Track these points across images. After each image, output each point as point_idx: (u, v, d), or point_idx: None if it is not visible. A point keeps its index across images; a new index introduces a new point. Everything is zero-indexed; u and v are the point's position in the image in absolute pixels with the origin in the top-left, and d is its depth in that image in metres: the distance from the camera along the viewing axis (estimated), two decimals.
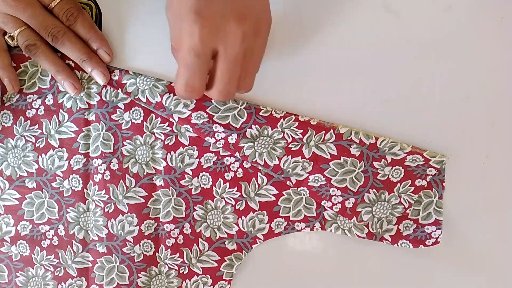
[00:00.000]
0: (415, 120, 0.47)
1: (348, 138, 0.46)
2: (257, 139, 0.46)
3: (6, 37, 0.46)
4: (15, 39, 0.45)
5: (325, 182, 0.46)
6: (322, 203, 0.46)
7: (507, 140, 0.47)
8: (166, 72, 0.48)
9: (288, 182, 0.46)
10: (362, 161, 0.46)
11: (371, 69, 0.46)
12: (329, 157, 0.46)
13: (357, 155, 0.46)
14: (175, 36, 0.39)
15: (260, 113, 0.46)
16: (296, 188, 0.47)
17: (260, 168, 0.47)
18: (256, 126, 0.46)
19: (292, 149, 0.46)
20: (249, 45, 0.38)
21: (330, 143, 0.46)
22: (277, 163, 0.46)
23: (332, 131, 0.46)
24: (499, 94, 0.46)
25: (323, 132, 0.46)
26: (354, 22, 0.46)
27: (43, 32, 0.44)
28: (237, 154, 0.46)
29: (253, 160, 0.46)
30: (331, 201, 0.46)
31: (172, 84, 0.47)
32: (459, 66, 0.46)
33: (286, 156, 0.46)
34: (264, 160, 0.46)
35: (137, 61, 0.48)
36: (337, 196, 0.46)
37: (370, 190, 0.46)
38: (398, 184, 0.46)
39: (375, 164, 0.46)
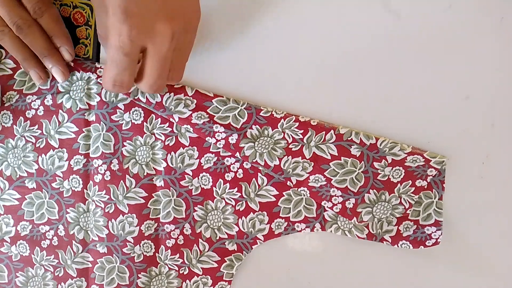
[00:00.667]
0: (415, 120, 0.46)
1: (349, 139, 0.45)
2: (258, 139, 0.46)
3: None
4: None
5: (325, 183, 0.46)
6: (322, 203, 0.46)
7: (507, 140, 0.46)
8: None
9: (288, 183, 0.46)
10: (363, 162, 0.46)
11: (371, 69, 0.46)
12: (329, 157, 0.46)
13: (357, 156, 0.45)
14: (101, 26, 0.40)
15: (261, 114, 0.46)
16: (296, 189, 0.47)
17: (260, 168, 0.47)
18: (257, 126, 0.46)
19: (293, 149, 0.46)
20: (178, 43, 0.39)
21: (330, 143, 0.46)
22: (278, 163, 0.46)
23: (332, 131, 0.46)
24: (499, 94, 0.46)
25: (324, 132, 0.46)
26: (354, 22, 0.46)
27: (8, 21, 0.43)
28: (237, 154, 0.46)
29: (254, 161, 0.46)
30: (332, 202, 0.46)
31: (171, 84, 0.46)
32: (459, 66, 0.46)
33: (286, 156, 0.46)
34: (265, 160, 0.46)
35: None
36: (338, 196, 0.46)
37: (371, 190, 0.46)
38: (399, 185, 0.46)
39: (376, 164, 0.46)
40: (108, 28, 0.37)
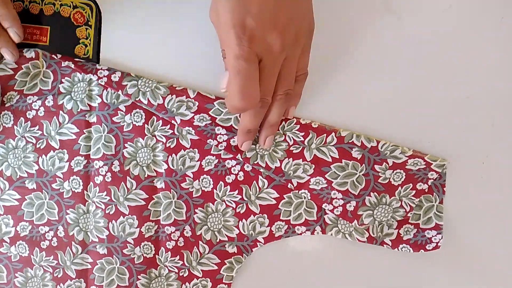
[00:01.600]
0: (414, 120, 0.47)
1: (350, 141, 0.46)
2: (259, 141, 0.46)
3: None
4: None
5: (326, 185, 0.46)
6: (323, 206, 0.46)
7: (507, 140, 0.46)
8: (166, 73, 0.48)
9: (289, 185, 0.46)
10: (363, 164, 0.46)
11: (371, 70, 0.47)
12: (330, 160, 0.46)
13: (358, 158, 0.46)
14: (222, 42, 0.40)
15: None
16: (297, 191, 0.47)
17: (261, 170, 0.47)
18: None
19: (294, 151, 0.46)
20: (288, 54, 0.40)
21: (331, 146, 0.46)
22: (279, 165, 0.46)
23: (333, 134, 0.46)
24: (499, 94, 0.46)
25: (325, 135, 0.46)
26: (354, 22, 0.46)
27: None
28: (238, 156, 0.46)
29: (255, 162, 0.46)
30: (332, 204, 0.46)
31: (174, 86, 0.47)
32: (459, 66, 0.46)
33: (287, 158, 0.46)
34: (266, 162, 0.46)
35: (136, 61, 0.48)
36: (338, 199, 0.46)
37: (371, 193, 0.46)
38: (399, 188, 0.46)
39: (376, 167, 0.46)
40: (227, 45, 0.38)
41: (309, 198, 0.47)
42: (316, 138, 0.46)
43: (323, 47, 0.46)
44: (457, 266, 0.48)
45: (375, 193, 0.46)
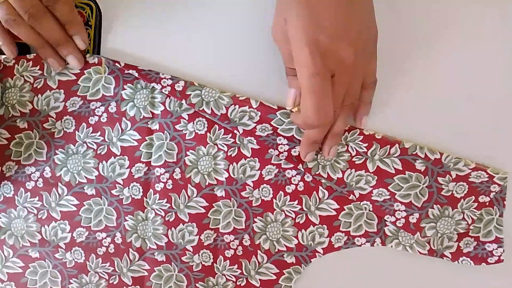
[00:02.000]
0: (414, 120, 0.47)
1: (413, 153, 0.46)
2: (321, 152, 0.46)
3: None
4: None
5: (389, 197, 0.46)
6: (385, 217, 0.46)
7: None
8: (167, 73, 0.48)
9: (351, 196, 0.47)
10: (427, 176, 0.46)
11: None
12: (393, 171, 0.46)
13: (422, 170, 0.46)
14: (293, 60, 0.40)
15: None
16: (358, 202, 0.47)
17: (322, 181, 0.47)
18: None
19: (356, 162, 0.46)
20: (358, 63, 0.40)
21: (394, 157, 0.46)
22: (341, 176, 0.46)
23: (397, 145, 0.46)
24: (499, 94, 0.46)
25: (388, 146, 0.46)
26: None
27: (20, 9, 0.43)
28: (300, 166, 0.47)
29: (316, 173, 0.46)
30: (395, 216, 0.46)
31: (237, 96, 0.47)
32: (459, 66, 0.46)
33: (349, 169, 0.46)
34: (328, 173, 0.47)
35: (137, 61, 0.48)
36: (401, 211, 0.46)
37: (434, 205, 0.46)
38: (462, 200, 0.46)
39: (440, 179, 0.46)
40: (298, 61, 0.38)
41: (371, 209, 0.47)
42: (379, 149, 0.46)
43: None
44: None
45: (438, 205, 0.46)
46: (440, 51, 0.47)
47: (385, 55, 0.45)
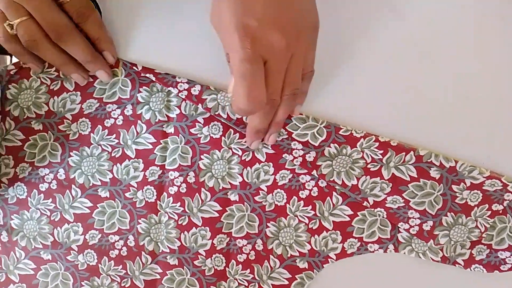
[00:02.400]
0: (414, 120, 0.47)
1: (428, 161, 0.46)
2: (336, 158, 0.47)
3: (5, 24, 0.42)
4: (14, 28, 0.42)
5: (403, 204, 0.46)
6: (399, 225, 0.46)
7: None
8: (168, 71, 0.48)
9: (365, 203, 0.47)
10: (442, 184, 0.46)
11: (372, 69, 0.47)
12: (408, 179, 0.46)
13: (436, 178, 0.46)
14: (225, 46, 0.41)
15: (340, 132, 0.46)
16: (372, 209, 0.47)
17: (337, 187, 0.47)
18: (335, 144, 0.46)
19: (371, 169, 0.46)
20: (293, 53, 0.40)
21: (409, 164, 0.46)
22: (355, 183, 0.47)
23: (412, 152, 0.46)
24: (500, 94, 0.47)
25: (403, 153, 0.46)
26: (356, 21, 0.47)
27: (46, 27, 0.42)
28: (314, 172, 0.47)
29: (331, 179, 0.47)
30: (409, 223, 0.46)
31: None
32: (459, 66, 0.47)
33: (364, 176, 0.47)
34: (342, 179, 0.47)
35: (137, 61, 0.48)
36: (415, 218, 0.46)
37: (448, 213, 0.46)
38: (475, 208, 0.46)
39: (454, 187, 0.46)
40: (231, 50, 0.38)
41: (385, 216, 0.47)
42: (394, 156, 0.46)
43: (322, 46, 0.46)
44: None
45: (451, 213, 0.46)
46: (438, 53, 0.47)
47: (382, 57, 0.46)
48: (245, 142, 0.48)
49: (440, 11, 0.47)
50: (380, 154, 0.46)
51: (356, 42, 0.47)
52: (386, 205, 0.46)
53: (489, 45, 0.47)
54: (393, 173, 0.46)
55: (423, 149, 0.46)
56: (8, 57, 0.49)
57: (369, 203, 0.46)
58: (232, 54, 0.39)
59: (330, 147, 0.46)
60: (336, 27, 0.47)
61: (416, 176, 0.46)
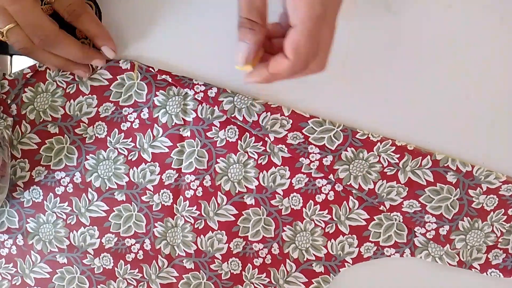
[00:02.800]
0: (414, 120, 0.47)
1: (445, 165, 0.46)
2: (353, 162, 0.47)
3: None
4: (5, 35, 0.41)
5: (420, 209, 0.46)
6: (415, 229, 0.47)
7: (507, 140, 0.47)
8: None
9: (381, 207, 0.47)
10: (458, 189, 0.46)
11: (371, 69, 0.47)
12: (425, 183, 0.46)
13: (453, 183, 0.46)
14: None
15: (357, 136, 0.46)
16: (389, 213, 0.47)
17: (354, 191, 0.47)
18: (352, 149, 0.46)
19: (388, 173, 0.46)
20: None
21: (426, 169, 0.46)
22: (372, 187, 0.47)
23: (429, 157, 0.46)
24: (500, 94, 0.47)
25: (420, 158, 0.46)
26: (354, 21, 0.47)
27: (29, 34, 0.40)
28: (331, 176, 0.47)
29: (348, 183, 0.47)
30: (425, 228, 0.46)
31: (269, 103, 0.47)
32: (459, 66, 0.47)
33: (381, 180, 0.47)
34: (359, 183, 0.47)
35: (137, 60, 0.48)
36: (432, 223, 0.46)
37: (465, 218, 0.46)
38: (491, 213, 0.46)
39: (470, 192, 0.46)
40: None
41: (401, 220, 0.47)
42: (411, 161, 0.46)
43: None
44: None
45: (468, 217, 0.46)
46: (441, 52, 0.47)
47: (388, 58, 0.46)
48: (261, 145, 0.48)
49: (436, 10, 0.47)
50: (397, 158, 0.46)
51: (352, 42, 0.47)
52: (403, 209, 0.46)
53: (489, 44, 0.47)
54: (409, 178, 0.46)
55: (440, 153, 0.46)
56: (8, 57, 0.49)
57: (385, 207, 0.47)
58: (301, 9, 0.35)
59: (347, 151, 0.46)
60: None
61: (432, 181, 0.46)
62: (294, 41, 0.36)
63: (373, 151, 0.47)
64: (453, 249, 0.46)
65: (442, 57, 0.47)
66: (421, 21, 0.47)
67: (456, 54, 0.47)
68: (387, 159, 0.46)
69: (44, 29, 0.41)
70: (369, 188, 0.47)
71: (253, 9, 0.37)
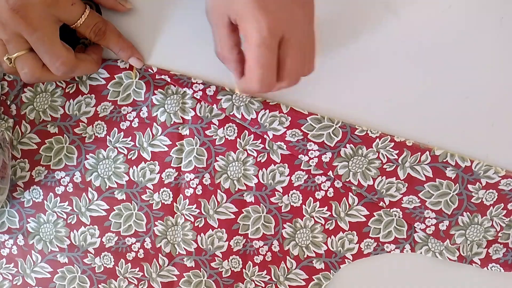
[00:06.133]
0: (415, 119, 0.47)
1: (444, 161, 0.46)
2: (352, 159, 0.47)
3: (5, 58, 0.40)
4: (13, 62, 0.40)
5: (419, 204, 0.46)
6: (415, 225, 0.47)
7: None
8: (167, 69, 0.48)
9: (381, 203, 0.47)
10: (457, 184, 0.46)
11: (370, 67, 0.47)
12: (424, 179, 0.46)
13: (452, 178, 0.46)
14: (220, 42, 0.40)
15: (356, 133, 0.46)
16: (388, 209, 0.47)
17: (353, 188, 0.47)
18: (351, 145, 0.47)
19: (387, 169, 0.47)
20: (310, 28, 0.40)
21: (425, 164, 0.46)
22: (372, 183, 0.47)
23: (428, 152, 0.46)
24: (499, 94, 0.47)
25: (419, 153, 0.46)
26: (354, 21, 0.47)
27: (47, 63, 0.40)
28: (330, 173, 0.47)
29: (347, 180, 0.47)
30: (425, 223, 0.46)
31: (267, 101, 0.47)
32: (459, 66, 0.47)
33: (380, 176, 0.47)
34: (358, 180, 0.47)
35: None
36: (431, 218, 0.46)
37: (464, 213, 0.46)
38: (491, 208, 0.46)
39: (470, 187, 0.46)
40: (246, 34, 0.37)
41: (401, 216, 0.47)
42: (410, 157, 0.46)
43: (321, 45, 0.46)
44: None
45: (467, 212, 0.46)
46: (441, 52, 0.47)
47: (387, 57, 0.46)
48: (260, 143, 0.48)
49: (436, 10, 0.47)
50: (396, 154, 0.46)
51: (351, 42, 0.47)
52: (402, 205, 0.46)
53: (489, 43, 0.47)
54: (408, 173, 0.46)
55: (438, 148, 0.46)
56: None
57: (385, 203, 0.47)
58: (249, 37, 0.37)
59: (346, 147, 0.46)
60: (333, 26, 0.47)
61: (431, 176, 0.46)
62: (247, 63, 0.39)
63: (372, 147, 0.47)
64: (453, 244, 0.46)
65: (441, 57, 0.47)
66: (421, 20, 0.47)
67: (455, 53, 0.47)
68: (386, 155, 0.47)
69: (62, 57, 0.41)
70: (368, 185, 0.47)
71: (230, 48, 0.40)
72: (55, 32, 0.40)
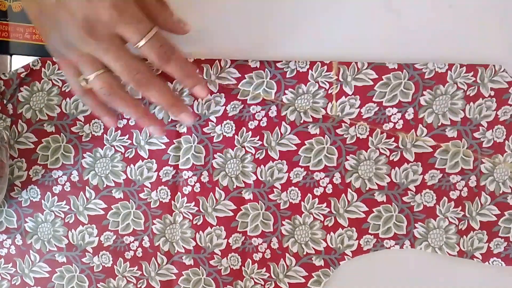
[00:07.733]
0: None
1: (439, 124, 0.47)
2: (359, 167, 0.47)
3: (79, 79, 0.41)
4: (89, 82, 0.41)
5: (441, 175, 0.47)
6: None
7: None
8: None
9: (409, 193, 0.47)
10: (463, 139, 0.47)
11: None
12: (430, 150, 0.47)
13: (455, 136, 0.47)
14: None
15: (287, 76, 0.46)
16: (389, 205, 0.47)
17: (376, 193, 0.47)
18: (289, 89, 0.47)
19: (395, 160, 0.46)
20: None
21: (424, 137, 0.47)
22: (389, 180, 0.47)
23: (420, 125, 0.47)
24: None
25: (413, 130, 0.46)
26: (354, 21, 0.47)
27: (125, 77, 0.40)
28: (283, 123, 0.47)
29: (367, 189, 0.47)
30: (457, 189, 0.47)
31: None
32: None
33: (393, 169, 0.46)
34: (376, 183, 0.47)
35: None
36: (459, 181, 0.47)
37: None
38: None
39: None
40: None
41: (420, 201, 0.47)
42: (407, 137, 0.46)
43: (321, 45, 0.46)
44: None
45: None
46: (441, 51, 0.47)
47: (387, 57, 0.46)
48: (258, 140, 0.47)
49: (436, 9, 0.47)
50: (393, 141, 0.46)
51: (351, 41, 0.47)
52: (428, 183, 0.46)
53: (487, 44, 0.47)
54: (415, 152, 0.46)
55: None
56: (8, 56, 0.49)
57: (413, 191, 0.46)
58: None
59: (286, 94, 0.47)
60: (332, 26, 0.47)
61: (435, 144, 0.46)
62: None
63: (370, 147, 0.46)
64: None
65: (441, 57, 0.46)
66: (421, 20, 0.47)
67: (455, 53, 0.46)
68: (386, 148, 0.46)
69: (140, 72, 0.40)
70: (387, 182, 0.46)
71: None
72: (124, 46, 0.40)
